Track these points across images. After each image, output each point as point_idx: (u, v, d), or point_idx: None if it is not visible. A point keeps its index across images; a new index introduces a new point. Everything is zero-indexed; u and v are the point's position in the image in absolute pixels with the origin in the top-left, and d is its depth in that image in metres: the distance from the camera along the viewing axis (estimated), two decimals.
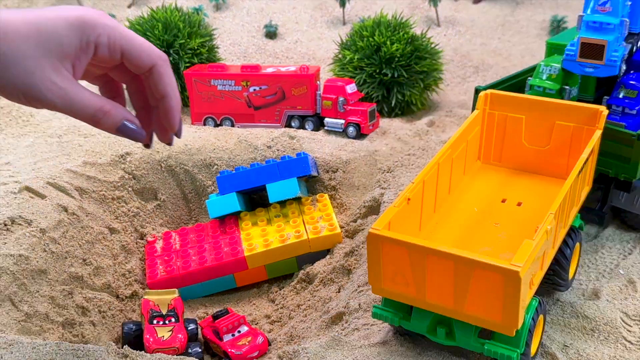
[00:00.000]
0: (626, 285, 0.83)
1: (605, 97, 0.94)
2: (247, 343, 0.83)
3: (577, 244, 0.81)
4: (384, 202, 1.03)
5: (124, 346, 0.70)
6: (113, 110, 0.58)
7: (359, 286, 0.88)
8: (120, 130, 0.59)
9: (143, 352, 0.71)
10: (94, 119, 0.58)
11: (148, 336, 0.80)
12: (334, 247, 1.01)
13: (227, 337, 0.84)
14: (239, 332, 0.84)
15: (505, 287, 0.59)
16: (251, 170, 1.06)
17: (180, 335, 0.81)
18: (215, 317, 0.87)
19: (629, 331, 0.76)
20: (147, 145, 0.61)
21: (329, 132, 1.30)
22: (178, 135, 0.62)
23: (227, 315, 0.86)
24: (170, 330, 0.81)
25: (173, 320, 0.83)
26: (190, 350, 0.82)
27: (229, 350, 0.82)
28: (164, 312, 0.84)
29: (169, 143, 0.63)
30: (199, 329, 0.89)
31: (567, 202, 0.72)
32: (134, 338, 0.84)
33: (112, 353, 0.68)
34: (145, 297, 0.87)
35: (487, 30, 2.00)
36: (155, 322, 0.82)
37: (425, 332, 0.68)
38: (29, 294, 0.82)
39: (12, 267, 0.83)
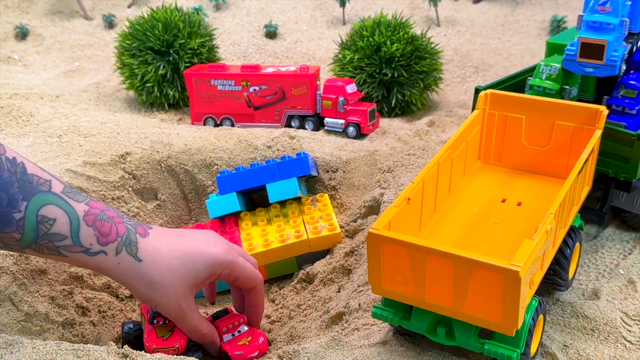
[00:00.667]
0: (626, 285, 0.83)
1: (605, 97, 0.94)
2: (247, 343, 0.83)
3: (577, 244, 0.81)
4: (384, 202, 1.03)
5: (124, 346, 0.70)
6: (207, 334, 0.80)
7: (359, 286, 0.88)
8: (206, 345, 0.81)
9: (143, 352, 0.71)
10: (196, 334, 0.79)
11: (148, 336, 0.80)
12: (334, 247, 1.01)
13: (227, 337, 0.84)
14: (239, 332, 0.84)
15: (505, 287, 0.59)
16: (251, 170, 1.06)
17: (180, 335, 0.81)
18: (215, 317, 0.87)
19: (629, 331, 0.76)
20: (213, 355, 0.83)
21: (329, 132, 1.30)
22: (256, 325, 0.87)
23: (227, 315, 0.86)
24: (170, 330, 0.81)
25: None
26: (190, 350, 0.82)
27: (229, 350, 0.82)
28: None
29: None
30: None
31: (567, 202, 0.72)
32: (134, 338, 0.84)
33: (112, 353, 0.68)
34: None
35: (487, 30, 2.00)
36: (155, 322, 0.82)
37: (425, 332, 0.68)
38: (29, 294, 0.82)
39: (12, 267, 0.83)
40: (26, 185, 0.67)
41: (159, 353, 0.74)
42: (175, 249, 0.75)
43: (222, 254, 0.77)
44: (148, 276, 0.73)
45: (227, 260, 0.78)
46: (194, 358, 0.77)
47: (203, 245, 0.77)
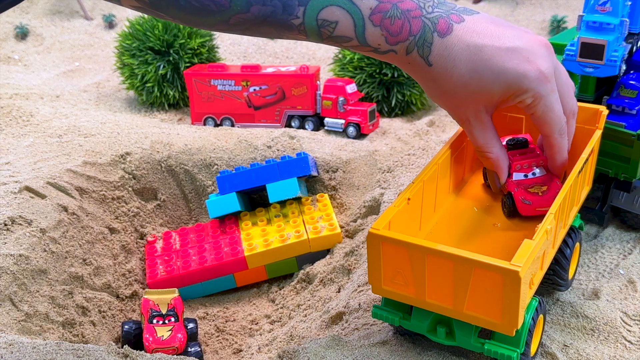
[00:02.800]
0: (626, 285, 0.83)
1: (605, 97, 0.94)
2: (540, 193, 0.75)
3: (577, 244, 0.80)
4: (384, 202, 1.03)
5: (124, 346, 0.70)
6: (494, 158, 0.70)
7: (359, 286, 0.88)
8: (489, 172, 0.72)
9: (143, 352, 0.71)
10: (481, 153, 0.70)
11: (148, 336, 0.80)
12: (334, 247, 1.01)
13: (517, 176, 0.76)
14: (533, 174, 0.76)
15: (505, 287, 0.59)
16: (251, 170, 1.06)
17: (179, 335, 0.81)
18: (511, 145, 0.80)
19: (629, 331, 0.76)
20: (495, 189, 0.75)
21: (329, 132, 1.30)
22: (562, 175, 0.76)
23: (525, 148, 0.78)
24: (169, 330, 0.81)
25: (173, 319, 0.83)
26: (189, 350, 0.82)
27: (516, 194, 0.75)
28: (164, 311, 0.84)
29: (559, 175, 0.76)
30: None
31: (567, 202, 0.72)
32: (133, 337, 0.84)
33: (112, 353, 0.68)
34: (145, 296, 0.87)
35: None
36: (155, 321, 0.82)
37: (425, 332, 0.68)
38: (29, 294, 0.82)
39: (12, 267, 0.83)
40: None
41: (159, 353, 0.74)
42: (475, 58, 0.62)
43: (532, 78, 0.63)
44: (436, 83, 0.64)
45: (535, 89, 0.63)
46: (193, 358, 0.77)
47: (516, 60, 0.63)
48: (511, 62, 0.62)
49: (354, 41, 0.62)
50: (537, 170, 0.79)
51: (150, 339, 0.80)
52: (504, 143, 0.84)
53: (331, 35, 0.61)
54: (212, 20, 0.59)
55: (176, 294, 0.88)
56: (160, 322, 0.82)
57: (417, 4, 0.63)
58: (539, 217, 0.75)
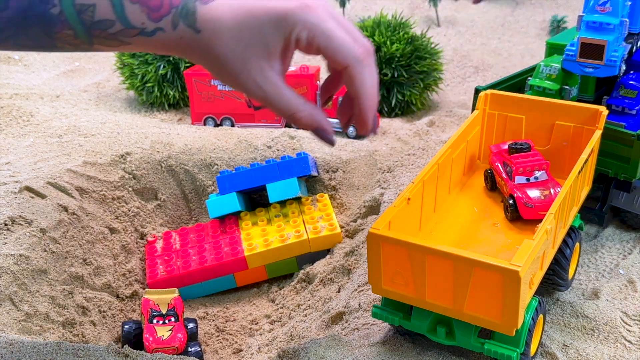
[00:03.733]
0: (626, 285, 0.83)
1: (605, 97, 0.94)
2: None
3: (577, 244, 0.81)
4: (384, 202, 1.03)
5: (124, 346, 0.70)
6: (307, 116, 0.63)
7: (359, 286, 0.88)
8: (314, 133, 0.64)
9: (143, 351, 0.71)
10: (291, 119, 0.63)
11: (148, 335, 0.80)
12: (334, 247, 1.01)
13: (520, 180, 0.76)
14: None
15: (505, 286, 0.59)
16: (251, 170, 1.06)
17: (179, 335, 0.81)
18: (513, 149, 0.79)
19: (629, 331, 0.76)
20: (332, 144, 0.65)
21: None
22: (374, 132, 0.66)
23: (527, 152, 0.77)
24: (170, 330, 0.81)
25: (173, 319, 0.83)
26: (189, 350, 0.82)
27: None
28: (164, 311, 0.84)
29: (365, 135, 0.68)
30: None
31: (567, 202, 0.72)
32: (133, 337, 0.84)
33: (112, 353, 0.68)
34: (145, 296, 0.87)
35: (487, 30, 2.00)
36: (155, 321, 0.82)
37: (425, 331, 0.68)
38: (29, 294, 0.82)
39: (12, 267, 0.83)
40: None
41: (159, 353, 0.74)
42: (239, 11, 0.60)
43: (295, 10, 0.60)
44: (209, 50, 0.61)
45: (302, 17, 0.59)
46: (193, 358, 0.77)
47: (275, 2, 0.60)
48: (271, 3, 0.60)
49: (118, 24, 0.59)
50: (538, 174, 0.79)
51: (151, 338, 0.80)
52: (506, 147, 0.85)
53: (93, 20, 0.58)
54: None
55: (176, 294, 0.88)
56: (161, 322, 0.82)
57: None
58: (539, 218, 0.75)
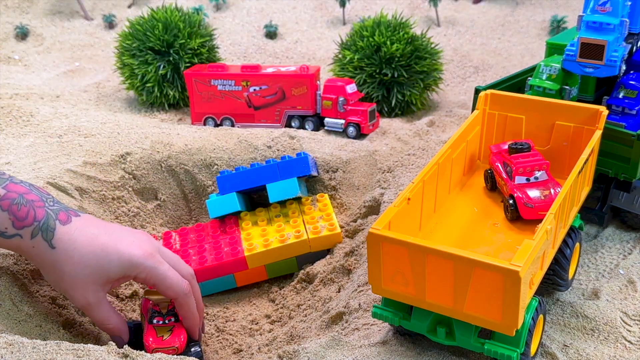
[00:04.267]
0: (626, 285, 0.83)
1: (605, 97, 0.94)
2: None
3: (577, 244, 0.81)
4: (384, 202, 1.03)
5: (124, 346, 0.70)
6: (114, 328, 0.79)
7: (359, 286, 0.88)
8: (113, 339, 0.80)
9: (143, 352, 0.71)
10: (102, 327, 0.79)
11: (148, 336, 0.80)
12: (334, 247, 1.01)
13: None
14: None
15: (505, 287, 0.59)
16: (251, 170, 1.06)
17: (180, 335, 0.81)
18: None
19: (629, 331, 0.76)
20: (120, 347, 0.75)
21: (329, 132, 1.30)
22: (197, 337, 0.83)
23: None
24: (170, 330, 0.81)
25: (173, 319, 0.83)
26: (190, 350, 0.82)
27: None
28: (164, 311, 0.84)
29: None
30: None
31: (567, 202, 0.72)
32: (134, 337, 0.84)
33: (112, 353, 0.68)
34: (146, 296, 0.87)
35: (487, 30, 2.00)
36: (155, 321, 0.82)
37: (425, 332, 0.68)
38: (29, 294, 0.82)
39: (12, 267, 0.83)
40: None
41: (159, 353, 0.74)
42: (92, 242, 0.74)
43: (140, 257, 0.76)
44: (59, 265, 0.73)
45: (144, 265, 0.76)
46: (193, 358, 0.77)
47: (125, 244, 0.76)
48: (122, 246, 0.75)
49: None
50: (538, 174, 0.79)
51: (151, 339, 0.80)
52: (506, 147, 0.85)
53: None
54: None
55: None
56: (161, 322, 0.82)
57: (40, 197, 0.74)
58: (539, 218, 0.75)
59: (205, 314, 0.97)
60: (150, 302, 0.86)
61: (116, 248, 0.75)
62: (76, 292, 0.75)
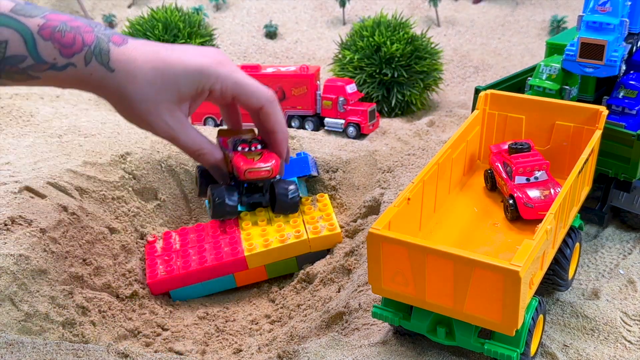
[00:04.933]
0: (626, 285, 0.83)
1: (605, 97, 0.94)
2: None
3: (577, 244, 0.81)
4: (384, 202, 1.03)
5: (227, 180, 0.67)
6: (208, 153, 0.70)
7: (359, 286, 0.88)
8: (211, 169, 0.71)
9: (143, 351, 0.71)
10: (194, 155, 0.70)
11: (238, 160, 0.70)
12: (334, 247, 1.01)
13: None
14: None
15: (505, 287, 0.59)
16: None
17: (271, 159, 0.71)
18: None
19: (629, 331, 0.76)
20: (226, 182, 0.71)
21: (329, 132, 1.30)
22: (286, 161, 0.73)
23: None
24: (259, 155, 0.72)
25: (260, 147, 0.74)
26: (287, 189, 0.72)
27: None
28: (248, 139, 0.75)
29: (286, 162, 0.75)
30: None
31: (567, 202, 0.72)
32: (205, 172, 0.75)
33: (112, 353, 0.68)
34: (221, 136, 0.77)
35: (487, 30, 2.00)
36: (240, 148, 0.72)
37: (425, 332, 0.68)
38: (29, 294, 0.82)
39: (12, 267, 0.83)
40: None
41: (251, 175, 0.66)
42: (153, 57, 0.66)
43: (210, 65, 0.67)
44: (122, 88, 0.65)
45: (217, 72, 0.67)
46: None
47: (190, 55, 0.67)
48: (187, 56, 0.66)
49: (29, 59, 0.62)
50: (538, 174, 0.79)
51: (242, 162, 0.70)
52: (506, 147, 0.85)
53: (4, 56, 0.61)
54: None
55: (256, 132, 0.75)
56: (246, 149, 0.72)
57: (86, 23, 0.66)
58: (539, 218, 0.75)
59: (205, 314, 0.97)
60: (229, 139, 0.77)
61: (180, 59, 0.66)
62: (151, 117, 0.66)
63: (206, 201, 1.07)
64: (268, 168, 0.69)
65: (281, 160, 0.72)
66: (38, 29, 0.62)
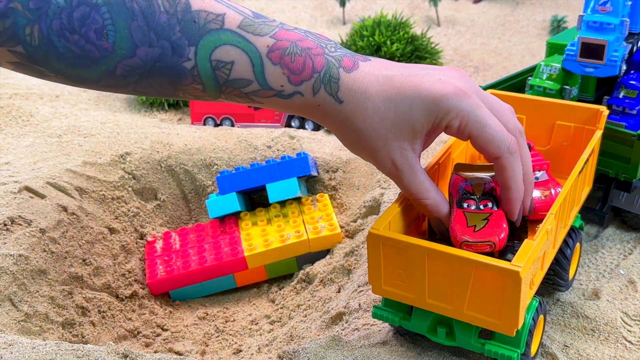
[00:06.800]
0: (626, 285, 0.83)
1: (605, 97, 0.94)
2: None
3: (578, 244, 0.81)
4: (384, 202, 1.03)
5: (442, 233, 0.57)
6: (431, 205, 0.62)
7: (359, 286, 0.88)
8: (432, 221, 0.64)
9: (143, 352, 0.71)
10: (416, 202, 0.62)
11: (455, 223, 0.61)
12: (334, 247, 1.01)
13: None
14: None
15: (505, 287, 0.59)
16: (251, 170, 1.06)
17: (499, 229, 0.59)
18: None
19: (629, 331, 0.76)
20: (444, 238, 0.61)
21: (329, 132, 1.30)
22: (517, 223, 0.64)
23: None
24: (485, 219, 0.61)
25: (490, 205, 0.63)
26: (509, 251, 0.62)
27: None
28: (479, 194, 0.64)
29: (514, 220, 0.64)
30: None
31: (568, 202, 0.72)
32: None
33: (112, 353, 0.68)
34: (456, 172, 0.67)
35: (487, 30, 2.00)
36: (465, 205, 0.62)
37: (425, 332, 0.68)
38: (29, 294, 0.82)
39: (12, 267, 0.83)
40: (191, 27, 0.54)
41: (468, 247, 0.57)
42: (387, 87, 0.58)
43: (450, 95, 0.57)
44: (349, 122, 0.58)
45: (457, 106, 0.57)
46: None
47: (428, 82, 0.58)
48: (423, 84, 0.58)
49: (254, 84, 0.57)
50: (539, 174, 0.79)
51: (459, 229, 0.60)
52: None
53: (228, 78, 0.56)
54: (96, 72, 0.53)
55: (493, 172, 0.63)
56: (474, 206, 0.62)
57: (317, 43, 0.58)
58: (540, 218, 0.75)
59: (205, 314, 0.96)
60: (462, 178, 0.67)
61: (416, 88, 0.57)
62: (379, 155, 0.59)
63: (206, 201, 1.07)
64: (490, 243, 0.58)
65: (515, 209, 0.62)
66: (267, 50, 0.56)
